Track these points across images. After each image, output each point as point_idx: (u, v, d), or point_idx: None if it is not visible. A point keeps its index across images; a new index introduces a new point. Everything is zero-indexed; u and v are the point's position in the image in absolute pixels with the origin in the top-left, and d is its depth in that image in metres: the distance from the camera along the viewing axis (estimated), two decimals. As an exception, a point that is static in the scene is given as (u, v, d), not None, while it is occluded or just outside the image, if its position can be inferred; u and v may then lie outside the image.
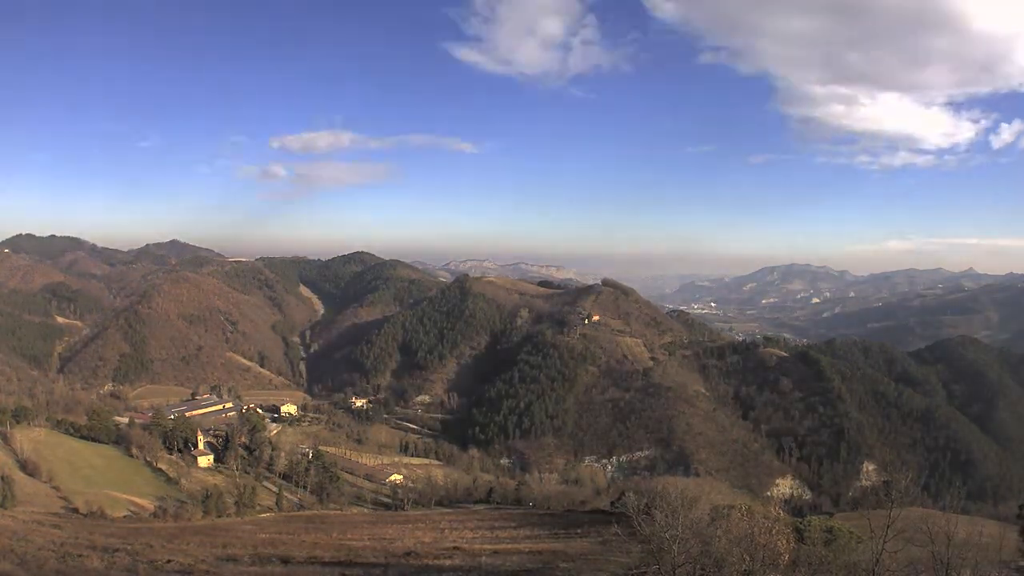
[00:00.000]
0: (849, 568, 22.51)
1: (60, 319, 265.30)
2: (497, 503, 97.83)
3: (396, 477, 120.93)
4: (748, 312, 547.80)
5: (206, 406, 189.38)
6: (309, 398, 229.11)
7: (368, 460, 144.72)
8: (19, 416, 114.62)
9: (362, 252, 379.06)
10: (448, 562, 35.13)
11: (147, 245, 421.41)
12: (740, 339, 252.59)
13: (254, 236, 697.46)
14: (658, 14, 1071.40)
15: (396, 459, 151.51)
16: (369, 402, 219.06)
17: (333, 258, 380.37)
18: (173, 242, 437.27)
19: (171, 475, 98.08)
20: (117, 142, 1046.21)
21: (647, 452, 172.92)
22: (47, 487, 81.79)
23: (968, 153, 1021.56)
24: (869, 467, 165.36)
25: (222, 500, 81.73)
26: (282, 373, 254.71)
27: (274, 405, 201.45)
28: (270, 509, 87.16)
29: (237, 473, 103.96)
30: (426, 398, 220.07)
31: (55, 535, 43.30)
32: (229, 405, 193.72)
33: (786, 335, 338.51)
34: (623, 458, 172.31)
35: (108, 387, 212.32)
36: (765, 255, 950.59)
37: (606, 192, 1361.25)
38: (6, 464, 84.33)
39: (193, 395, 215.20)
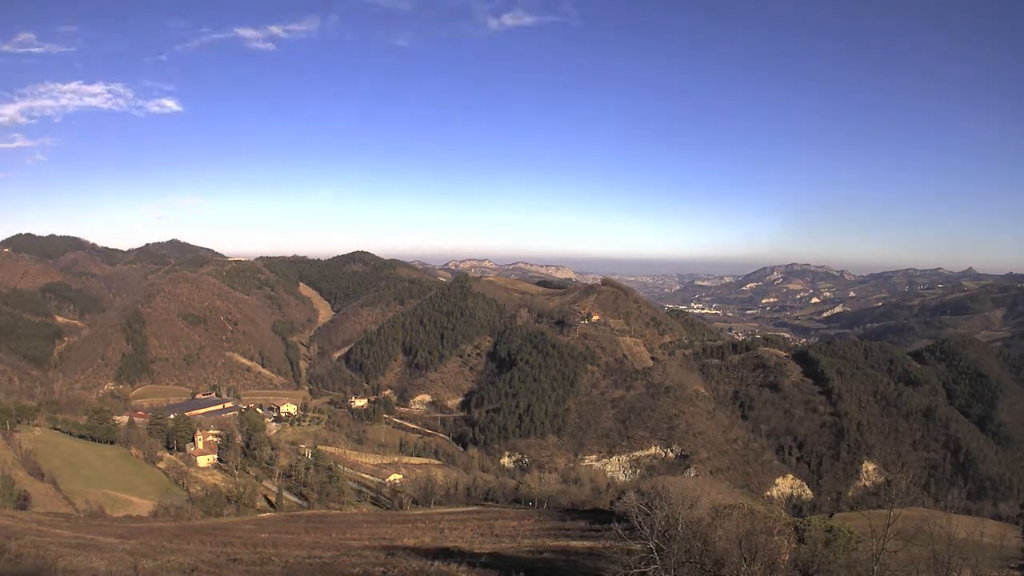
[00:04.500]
0: (849, 568, 22.51)
1: (60, 319, 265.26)
2: (497, 502, 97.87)
3: (396, 477, 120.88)
4: (748, 312, 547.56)
5: (206, 406, 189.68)
6: (309, 398, 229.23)
7: (368, 460, 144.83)
8: (20, 416, 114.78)
9: (362, 252, 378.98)
10: (445, 567, 35.08)
11: (147, 245, 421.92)
12: (740, 339, 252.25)
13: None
14: None
15: (396, 459, 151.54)
16: (369, 402, 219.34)
17: (333, 258, 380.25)
18: (173, 242, 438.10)
19: (171, 475, 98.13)
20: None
21: (648, 451, 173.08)
22: (48, 487, 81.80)
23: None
24: (869, 467, 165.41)
25: (222, 500, 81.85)
26: (282, 373, 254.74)
27: (274, 405, 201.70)
28: (270, 509, 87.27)
29: (237, 473, 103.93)
30: (426, 398, 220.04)
31: (56, 534, 43.30)
32: (229, 405, 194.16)
33: (786, 335, 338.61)
34: (624, 458, 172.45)
35: (108, 387, 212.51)
36: (765, 255, 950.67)
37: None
38: (7, 464, 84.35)
39: (193, 395, 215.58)
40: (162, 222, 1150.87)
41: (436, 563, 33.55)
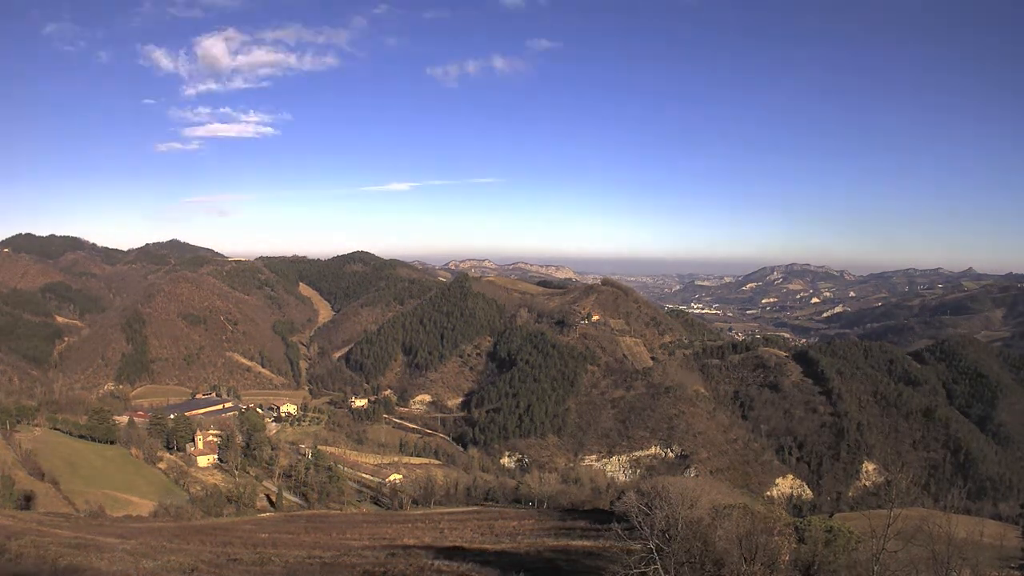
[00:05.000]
0: (849, 568, 22.53)
1: (60, 319, 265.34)
2: (497, 502, 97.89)
3: (396, 477, 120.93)
4: (748, 312, 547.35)
5: (206, 406, 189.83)
6: (309, 398, 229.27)
7: (368, 460, 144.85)
8: (20, 416, 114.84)
9: (362, 252, 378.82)
10: (447, 565, 35.11)
11: (147, 245, 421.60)
12: (740, 339, 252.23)
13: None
14: None
15: (396, 459, 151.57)
16: (369, 402, 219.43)
17: (333, 258, 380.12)
18: (173, 242, 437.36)
19: (171, 475, 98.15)
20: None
21: (648, 452, 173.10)
22: (48, 487, 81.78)
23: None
24: (869, 467, 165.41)
25: (222, 500, 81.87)
26: (282, 373, 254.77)
27: (274, 405, 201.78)
28: (270, 509, 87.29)
29: (237, 473, 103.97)
30: (427, 397, 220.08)
31: (56, 534, 43.30)
32: (229, 405, 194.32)
33: (786, 335, 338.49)
34: (624, 458, 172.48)
35: (108, 387, 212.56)
36: (765, 255, 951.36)
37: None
38: (7, 464, 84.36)
39: (193, 395, 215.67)
40: (162, 222, 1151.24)
41: (436, 563, 33.57)
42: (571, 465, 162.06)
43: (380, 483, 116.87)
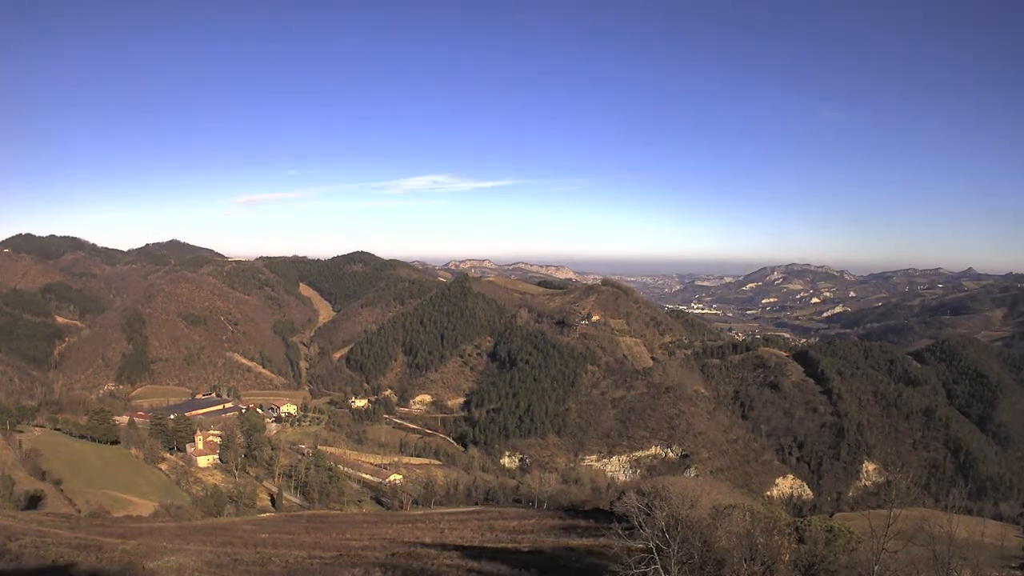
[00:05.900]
0: (849, 568, 22.53)
1: (60, 319, 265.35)
2: (498, 502, 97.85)
3: (396, 477, 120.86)
4: (748, 312, 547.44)
5: (206, 406, 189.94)
6: (309, 398, 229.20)
7: (368, 460, 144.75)
8: (20, 416, 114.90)
9: (362, 252, 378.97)
10: (449, 561, 35.14)
11: (147, 245, 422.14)
12: (740, 339, 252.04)
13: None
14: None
15: (396, 459, 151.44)
16: (369, 402, 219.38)
17: (333, 258, 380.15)
18: (173, 242, 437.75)
19: (172, 475, 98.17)
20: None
21: (648, 452, 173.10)
22: (48, 487, 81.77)
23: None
24: (869, 467, 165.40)
25: (223, 500, 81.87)
26: (282, 373, 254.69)
27: (274, 405, 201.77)
28: (271, 509, 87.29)
29: (238, 473, 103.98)
30: (427, 398, 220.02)
31: (56, 535, 43.28)
32: (229, 405, 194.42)
33: (786, 335, 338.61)
34: (624, 458, 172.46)
35: (109, 387, 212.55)
36: (765, 255, 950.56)
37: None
38: (7, 464, 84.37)
39: (193, 395, 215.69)
40: (162, 222, 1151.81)
41: (437, 562, 33.61)
42: (571, 465, 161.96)
43: (380, 483, 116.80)
